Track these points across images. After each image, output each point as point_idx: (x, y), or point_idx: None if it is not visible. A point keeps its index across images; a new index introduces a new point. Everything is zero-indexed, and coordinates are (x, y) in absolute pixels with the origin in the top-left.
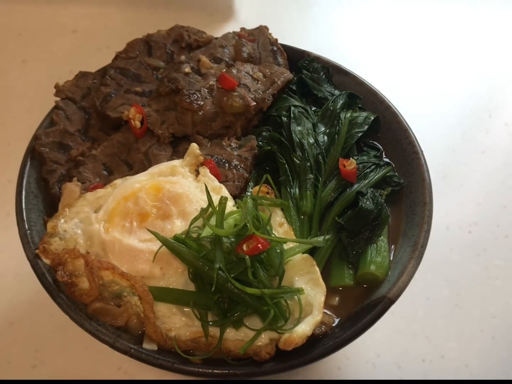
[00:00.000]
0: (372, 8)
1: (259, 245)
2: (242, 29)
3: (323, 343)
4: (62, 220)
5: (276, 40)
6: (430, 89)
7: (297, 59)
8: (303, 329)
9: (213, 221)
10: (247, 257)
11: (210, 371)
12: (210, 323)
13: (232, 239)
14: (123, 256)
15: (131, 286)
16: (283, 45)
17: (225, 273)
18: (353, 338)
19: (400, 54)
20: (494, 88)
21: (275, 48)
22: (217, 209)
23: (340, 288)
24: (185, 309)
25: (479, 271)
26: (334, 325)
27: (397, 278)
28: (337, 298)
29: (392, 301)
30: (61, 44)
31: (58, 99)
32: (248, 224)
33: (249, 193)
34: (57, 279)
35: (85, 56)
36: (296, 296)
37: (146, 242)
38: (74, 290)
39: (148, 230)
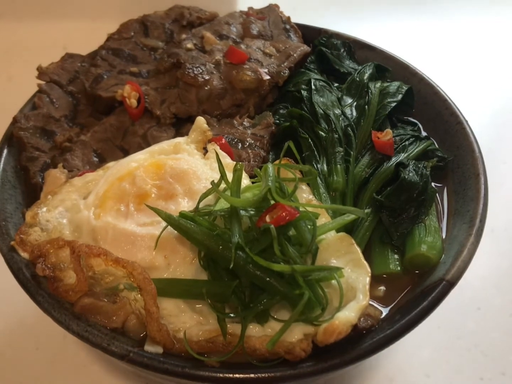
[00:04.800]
0: None
1: (284, 213)
2: (250, 8)
3: (370, 338)
4: (44, 209)
5: (289, 18)
6: (469, 74)
7: (313, 38)
8: (347, 315)
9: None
10: (272, 226)
11: (231, 375)
12: (230, 315)
13: (252, 212)
14: (118, 243)
15: (129, 275)
16: (297, 24)
17: (245, 251)
18: (408, 329)
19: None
20: None
21: (287, 26)
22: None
23: (385, 276)
24: (196, 305)
25: None
26: (381, 317)
27: (455, 257)
28: (382, 288)
29: (451, 284)
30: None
31: (42, 82)
32: (270, 192)
33: None
34: (36, 274)
35: None
36: (334, 280)
37: (146, 226)
38: (58, 285)
39: (148, 206)
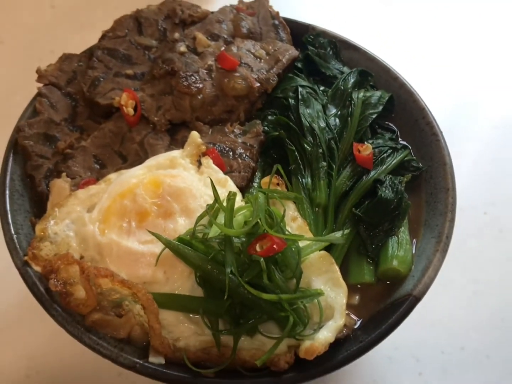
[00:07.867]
0: None
1: (274, 246)
2: (240, 1)
3: (345, 348)
4: (52, 222)
5: (278, 13)
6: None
7: (301, 34)
8: (325, 335)
9: (221, 218)
10: (262, 259)
11: None
12: (223, 332)
13: (243, 239)
14: (122, 260)
15: (133, 295)
16: (285, 19)
17: (237, 278)
18: (378, 341)
19: (414, 29)
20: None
21: (276, 22)
22: (225, 205)
23: (359, 286)
24: (193, 316)
25: (498, 256)
26: (355, 327)
27: (422, 273)
28: (357, 297)
29: (418, 299)
30: (38, 21)
31: (40, 85)
32: (260, 221)
33: (256, 184)
34: (50, 289)
35: (68, 34)
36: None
37: (147, 243)
38: (69, 300)
39: (149, 231)
